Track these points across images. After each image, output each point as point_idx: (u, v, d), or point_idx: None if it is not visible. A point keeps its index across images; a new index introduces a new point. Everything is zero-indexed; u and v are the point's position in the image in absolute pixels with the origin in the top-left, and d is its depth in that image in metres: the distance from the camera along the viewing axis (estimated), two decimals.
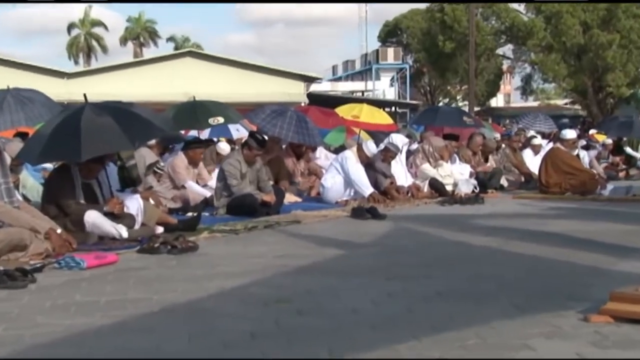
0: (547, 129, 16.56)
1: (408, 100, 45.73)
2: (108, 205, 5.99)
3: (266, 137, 8.73)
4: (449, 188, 10.54)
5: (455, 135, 11.91)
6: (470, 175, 11.17)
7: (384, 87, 50.28)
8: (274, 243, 6.09)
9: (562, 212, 8.64)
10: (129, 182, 7.38)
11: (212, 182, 9.10)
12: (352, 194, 9.47)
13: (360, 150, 9.65)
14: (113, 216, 5.94)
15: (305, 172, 11.02)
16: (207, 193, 8.97)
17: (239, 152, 8.33)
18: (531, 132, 15.73)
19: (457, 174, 10.83)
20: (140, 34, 57.92)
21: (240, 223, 7.20)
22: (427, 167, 10.69)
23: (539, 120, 16.63)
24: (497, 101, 59.07)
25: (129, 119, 5.92)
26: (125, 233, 5.80)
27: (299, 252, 5.58)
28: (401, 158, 10.40)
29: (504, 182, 12.00)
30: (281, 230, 6.95)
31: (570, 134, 11.20)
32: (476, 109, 37.61)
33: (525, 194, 10.93)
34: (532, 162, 12.79)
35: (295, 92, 30.36)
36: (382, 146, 10.14)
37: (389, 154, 9.87)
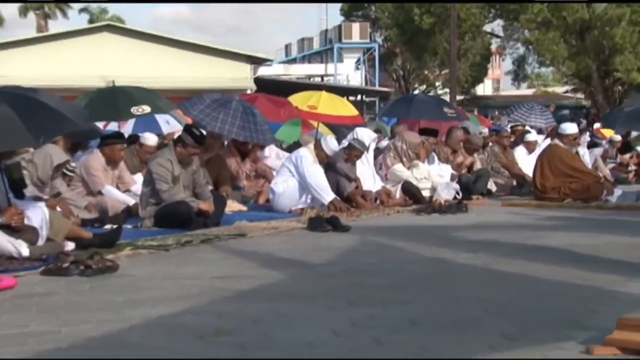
0: (543, 123, 16.79)
1: (377, 87, 45.99)
2: (4, 216, 5.91)
3: (204, 132, 8.66)
4: (425, 194, 10.72)
5: (434, 130, 12.07)
6: (452, 178, 11.32)
7: (348, 71, 50.51)
8: (212, 262, 6.07)
9: (561, 222, 8.80)
10: (12, 185, 7.25)
11: (137, 186, 9.01)
12: (308, 200, 9.52)
13: (318, 147, 9.70)
14: (10, 230, 5.87)
15: (252, 174, 11.05)
16: (130, 200, 8.93)
17: (170, 150, 8.28)
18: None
19: (435, 177, 10.97)
20: (44, 3, 56.86)
21: (171, 237, 7.19)
22: (399, 168, 10.78)
23: (534, 111, 16.88)
24: (484, 88, 59.82)
25: (32, 109, 5.84)
26: (25, 250, 5.74)
27: (244, 272, 5.58)
28: (368, 157, 10.50)
29: (491, 186, 12.23)
30: (222, 245, 6.94)
31: (570, 128, 11.41)
32: (459, 97, 37.97)
33: (517, 200, 11.14)
34: (526, 162, 13.02)
35: (240, 76, 30.25)
36: (345, 143, 10.23)
37: (353, 152, 9.94)
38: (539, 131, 16.31)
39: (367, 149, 10.29)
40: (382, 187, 10.49)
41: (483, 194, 11.72)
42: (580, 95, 46.37)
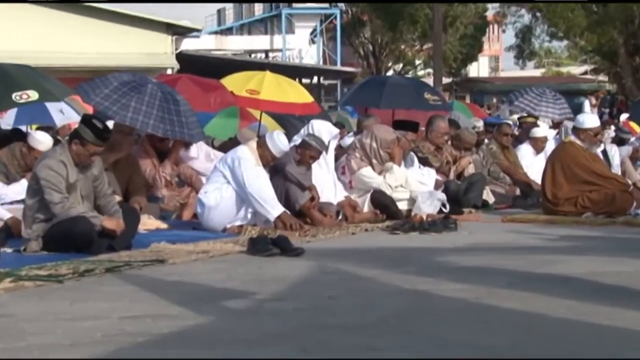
0: (557, 113, 16.82)
1: (338, 67, 46.19)
2: None
3: (109, 125, 8.61)
4: (402, 206, 10.83)
5: (413, 123, 12.15)
6: (436, 186, 11.40)
7: (301, 45, 50.65)
8: (122, 297, 6.03)
9: (578, 243, 8.87)
10: None
11: (20, 197, 8.94)
12: (249, 215, 9.53)
13: (262, 146, 9.71)
14: None
15: (174, 181, 11.02)
16: (6, 214, 8.84)
17: (64, 148, 8.21)
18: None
19: (415, 184, 11.06)
20: None
21: (66, 264, 7.11)
22: (368, 173, 10.85)
23: (544, 98, 16.81)
24: (478, 68, 60.43)
25: None
26: None
27: (163, 310, 5.56)
28: (327, 159, 10.57)
29: (488, 196, 12.33)
30: (134, 275, 6.90)
31: (590, 120, 11.56)
32: (445, 80, 38.25)
33: (521, 215, 11.26)
34: (533, 164, 13.23)
35: (158, 51, 30.08)
36: (297, 140, 10.27)
37: (308, 152, 10.00)
38: (554, 125, 16.48)
39: (327, 148, 10.28)
40: (346, 197, 10.56)
41: (477, 207, 11.82)
42: (603, 77, 46.89)
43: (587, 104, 27.89)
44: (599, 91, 28.11)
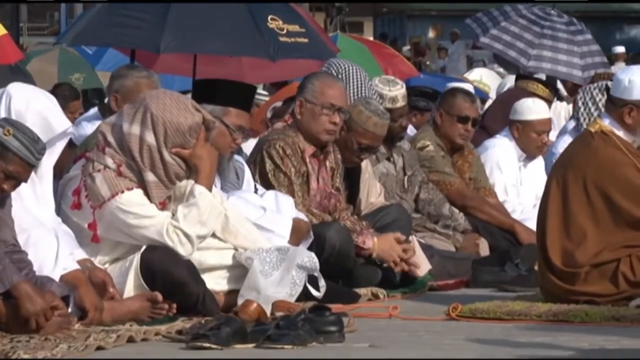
0: (577, 68, 16.83)
1: None
2: None
3: None
4: (217, 284, 10.52)
5: (239, 89, 11.78)
6: (296, 234, 11.46)
7: None
8: None
9: None
10: None
11: None
12: None
13: None
14: None
15: None
16: None
17: None
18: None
19: (247, 231, 10.87)
20: None
21: None
22: (134, 208, 10.27)
23: (549, 32, 16.67)
24: None
25: None
26: None
27: None
28: (40, 175, 9.96)
29: (419, 262, 11.34)
30: None
31: None
32: None
33: (492, 304, 11.01)
34: (521, 184, 13.09)
35: None
36: None
37: (2, 166, 9.52)
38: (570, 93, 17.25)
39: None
40: (83, 263, 9.85)
41: (392, 284, 11.31)
42: None
43: None
44: None
